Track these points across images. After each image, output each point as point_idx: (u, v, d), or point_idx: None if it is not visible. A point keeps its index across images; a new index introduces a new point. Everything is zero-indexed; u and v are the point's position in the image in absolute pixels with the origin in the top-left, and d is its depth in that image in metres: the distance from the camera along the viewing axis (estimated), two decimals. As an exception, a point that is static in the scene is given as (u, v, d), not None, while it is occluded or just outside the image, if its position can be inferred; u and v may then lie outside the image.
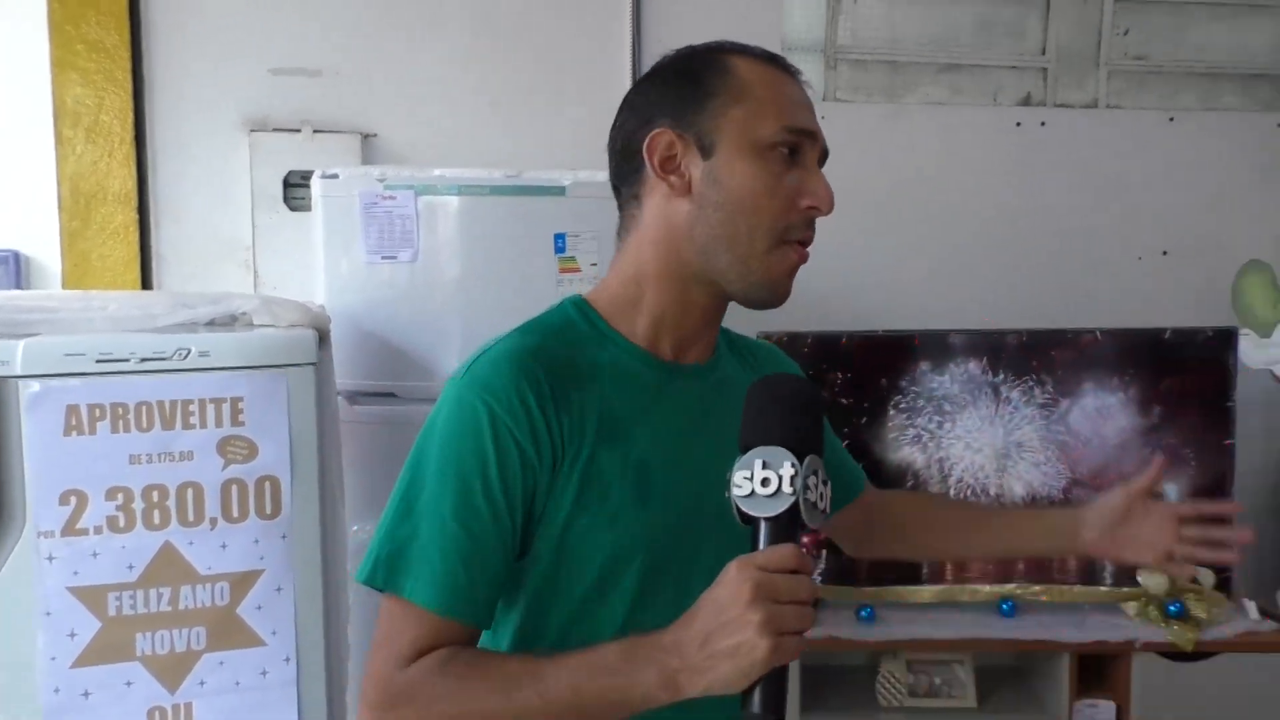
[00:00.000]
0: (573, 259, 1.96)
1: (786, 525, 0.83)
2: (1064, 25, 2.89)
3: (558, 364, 0.93)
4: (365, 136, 2.56)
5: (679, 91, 0.97)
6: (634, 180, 1.00)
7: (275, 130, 2.52)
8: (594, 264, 1.97)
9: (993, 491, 2.37)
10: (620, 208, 1.04)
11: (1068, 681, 2.26)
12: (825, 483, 0.85)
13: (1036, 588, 2.37)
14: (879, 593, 2.35)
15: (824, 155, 1.00)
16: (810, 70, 2.80)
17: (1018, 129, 2.85)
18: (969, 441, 2.37)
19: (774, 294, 0.97)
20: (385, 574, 0.88)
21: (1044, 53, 2.89)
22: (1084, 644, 2.25)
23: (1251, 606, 2.33)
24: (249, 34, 2.52)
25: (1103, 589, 2.37)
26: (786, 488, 0.82)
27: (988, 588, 2.37)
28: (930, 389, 2.36)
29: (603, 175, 2.05)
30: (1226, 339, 2.36)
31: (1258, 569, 2.78)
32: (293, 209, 2.48)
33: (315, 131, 2.51)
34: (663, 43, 2.65)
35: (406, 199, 1.93)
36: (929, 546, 1.44)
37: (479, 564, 0.88)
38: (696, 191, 0.95)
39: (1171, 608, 2.26)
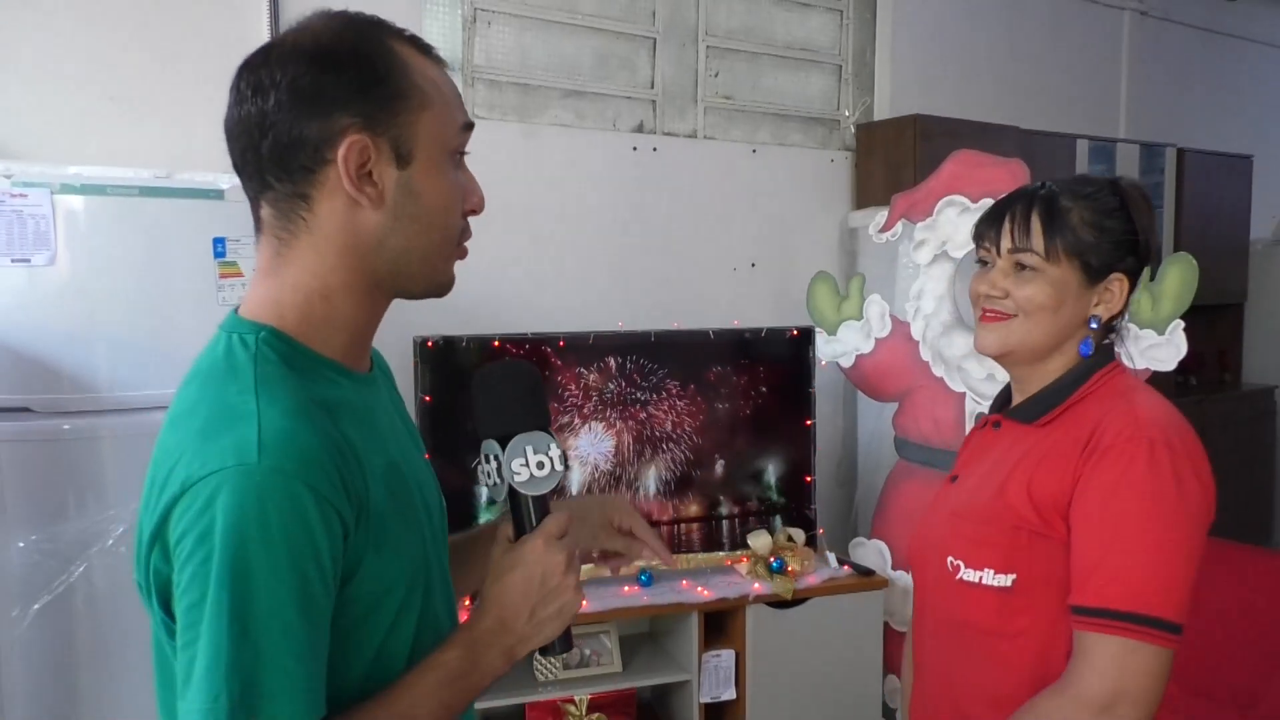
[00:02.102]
0: (234, 264, 1.90)
1: (550, 494, 0.95)
2: (668, 64, 3.28)
3: (326, 412, 0.86)
4: (-45, 125, 2.27)
5: (361, 87, 0.86)
6: (302, 179, 0.87)
7: None
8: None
9: (633, 474, 2.65)
10: (270, 203, 0.89)
11: (696, 637, 2.59)
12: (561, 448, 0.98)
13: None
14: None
15: None
16: (448, 87, 2.92)
17: (634, 152, 3.18)
18: (608, 429, 2.63)
19: (448, 289, 0.97)
20: (245, 711, 0.77)
21: (653, 87, 3.26)
22: (708, 603, 2.59)
23: (832, 557, 2.82)
24: None
25: (721, 553, 2.74)
26: (558, 466, 0.95)
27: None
28: (575, 385, 2.59)
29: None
30: (807, 337, 2.84)
31: (835, 526, 3.35)
32: None
33: (-111, 116, 2.18)
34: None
35: (40, 197, 1.76)
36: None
37: (324, 648, 0.83)
38: (391, 202, 0.88)
39: (775, 564, 2.68)
